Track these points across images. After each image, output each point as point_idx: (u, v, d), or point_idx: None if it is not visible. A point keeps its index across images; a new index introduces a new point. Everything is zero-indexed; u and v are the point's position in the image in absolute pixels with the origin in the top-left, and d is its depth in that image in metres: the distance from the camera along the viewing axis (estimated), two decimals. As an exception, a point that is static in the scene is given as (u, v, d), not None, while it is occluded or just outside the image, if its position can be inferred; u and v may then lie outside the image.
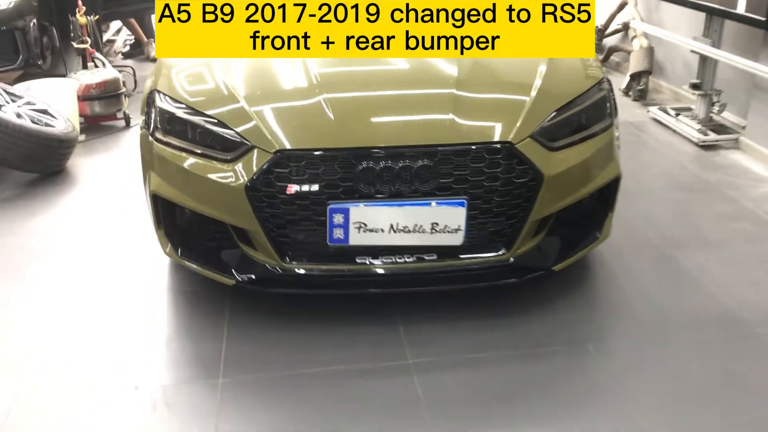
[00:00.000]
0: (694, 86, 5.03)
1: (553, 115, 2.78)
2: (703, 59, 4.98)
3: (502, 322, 2.90)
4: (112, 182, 4.38)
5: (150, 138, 2.91)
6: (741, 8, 4.41)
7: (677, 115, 5.19)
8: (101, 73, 5.32)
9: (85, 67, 5.51)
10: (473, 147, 2.65)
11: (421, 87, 2.90)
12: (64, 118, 4.62)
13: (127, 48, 7.79)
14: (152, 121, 2.92)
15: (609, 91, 3.05)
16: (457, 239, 2.70)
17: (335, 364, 2.67)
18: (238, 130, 2.69)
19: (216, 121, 2.73)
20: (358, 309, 2.99)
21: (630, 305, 3.02)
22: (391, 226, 2.65)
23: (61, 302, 3.08)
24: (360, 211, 2.63)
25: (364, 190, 2.62)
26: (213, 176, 2.70)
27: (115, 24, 8.24)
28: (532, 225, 2.80)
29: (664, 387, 2.53)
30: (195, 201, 2.77)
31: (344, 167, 2.61)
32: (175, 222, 2.95)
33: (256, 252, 2.80)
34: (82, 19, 5.55)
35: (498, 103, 2.85)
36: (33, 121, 4.34)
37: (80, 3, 5.58)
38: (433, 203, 2.64)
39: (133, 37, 7.77)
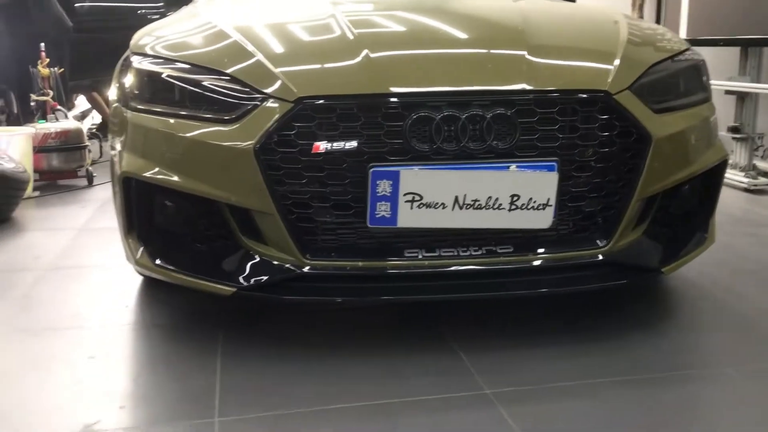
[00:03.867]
0: (734, 129, 4.52)
1: (649, 69, 2.17)
2: (742, 100, 4.51)
3: (590, 340, 2.13)
4: (66, 236, 3.55)
5: (124, 109, 2.19)
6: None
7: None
8: (62, 123, 4.63)
9: (43, 120, 4.82)
10: (561, 96, 1.99)
11: (486, 31, 2.29)
12: (14, 161, 3.87)
13: (92, 130, 7.16)
14: (127, 89, 2.21)
15: (704, 62, 2.46)
16: (545, 219, 1.97)
17: (386, 396, 1.84)
18: (247, 80, 2.00)
19: (225, 75, 2.03)
20: (396, 326, 2.22)
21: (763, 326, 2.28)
22: (456, 200, 1.93)
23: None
24: (414, 177, 1.90)
25: (419, 149, 1.92)
26: (210, 139, 1.97)
27: (83, 105, 7.64)
28: (636, 208, 2.11)
29: None
30: (183, 176, 2.02)
31: (391, 119, 1.92)
32: (152, 220, 2.17)
33: (266, 247, 2.03)
34: (44, 71, 4.93)
35: (583, 48, 2.23)
36: (-25, 156, 3.59)
37: (43, 54, 4.98)
38: (513, 167, 1.94)
39: (100, 118, 7.15)
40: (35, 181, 4.38)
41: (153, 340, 2.22)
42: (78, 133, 4.62)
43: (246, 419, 1.74)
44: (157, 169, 2.05)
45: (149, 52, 2.23)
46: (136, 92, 2.17)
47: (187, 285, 2.10)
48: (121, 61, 2.41)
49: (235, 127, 1.96)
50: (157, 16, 6.18)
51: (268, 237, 2.01)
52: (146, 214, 2.15)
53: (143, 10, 6.52)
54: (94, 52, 6.18)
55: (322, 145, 1.91)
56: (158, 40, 2.31)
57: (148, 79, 2.16)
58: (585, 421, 1.73)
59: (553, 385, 1.90)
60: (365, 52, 2.05)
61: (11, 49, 5.54)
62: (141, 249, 2.14)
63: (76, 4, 6.09)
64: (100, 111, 6.98)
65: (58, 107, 4.92)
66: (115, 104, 2.30)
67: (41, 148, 4.45)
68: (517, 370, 1.98)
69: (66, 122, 4.69)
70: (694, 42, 4.87)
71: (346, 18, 2.24)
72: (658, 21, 5.08)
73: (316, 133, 1.92)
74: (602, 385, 1.90)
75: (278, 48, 2.13)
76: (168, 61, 2.15)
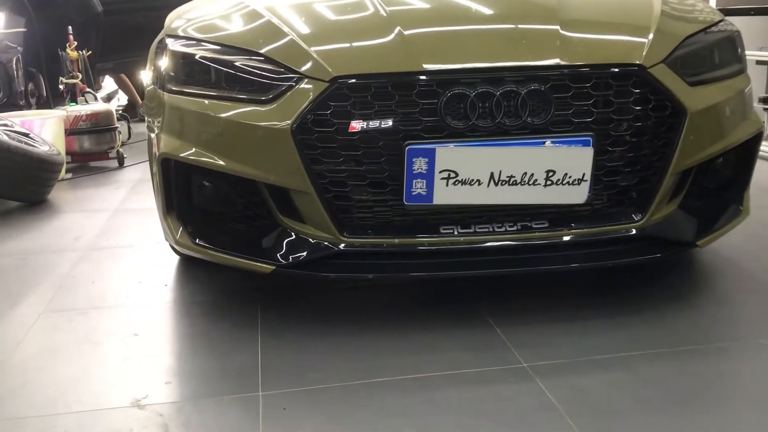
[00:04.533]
0: (765, 100, 4.46)
1: (683, 42, 2.15)
2: (773, 70, 4.45)
3: (624, 313, 2.15)
4: (102, 217, 3.62)
5: (160, 92, 2.23)
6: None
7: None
8: (92, 105, 4.70)
9: (73, 102, 4.89)
10: (595, 70, 1.99)
11: (519, 6, 2.29)
12: (48, 143, 3.94)
13: (119, 112, 7.23)
14: (162, 72, 2.25)
15: (738, 33, 2.44)
16: (580, 194, 1.99)
17: (423, 370, 1.88)
18: (281, 60, 2.02)
19: (259, 55, 2.06)
20: (432, 302, 2.26)
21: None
22: (492, 176, 1.94)
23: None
24: (449, 154, 1.92)
25: (454, 126, 1.93)
26: (246, 119, 2.00)
27: (109, 86, 7.72)
28: (671, 182, 2.11)
29: None
30: (221, 156, 2.05)
31: (426, 96, 1.93)
32: (191, 200, 2.21)
33: (303, 225, 2.06)
34: (73, 54, 5.00)
35: (617, 22, 2.22)
36: (10, 139, 3.65)
37: (71, 37, 5.04)
38: (548, 142, 1.95)
39: (126, 99, 7.23)
40: (67, 163, 4.46)
41: (193, 317, 2.28)
42: (108, 114, 4.68)
43: (289, 393, 1.78)
44: (194, 150, 2.09)
45: (182, 34, 2.26)
46: (172, 74, 2.20)
47: (226, 263, 2.15)
48: (155, 44, 2.45)
49: (271, 107, 1.99)
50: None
51: (306, 215, 2.04)
52: (185, 195, 2.19)
53: (165, -9, 6.54)
54: (118, 33, 6.22)
55: (357, 124, 1.93)
56: (191, 22, 2.33)
57: (183, 61, 2.19)
58: (621, 393, 1.75)
59: (589, 358, 1.93)
60: (398, 29, 2.06)
61: (39, 33, 5.61)
62: (181, 229, 2.19)
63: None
64: (128, 92, 7.05)
65: (88, 90, 4.99)
66: (152, 86, 2.34)
67: (73, 130, 4.52)
68: (553, 343, 2.01)
69: (96, 104, 4.76)
70: (723, 11, 4.80)
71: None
72: (687, -9, 5.01)
73: (352, 112, 1.94)
74: (637, 358, 1.92)
75: (311, 27, 2.14)
76: (201, 42, 2.18)
